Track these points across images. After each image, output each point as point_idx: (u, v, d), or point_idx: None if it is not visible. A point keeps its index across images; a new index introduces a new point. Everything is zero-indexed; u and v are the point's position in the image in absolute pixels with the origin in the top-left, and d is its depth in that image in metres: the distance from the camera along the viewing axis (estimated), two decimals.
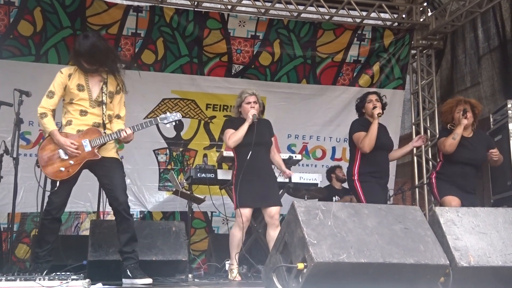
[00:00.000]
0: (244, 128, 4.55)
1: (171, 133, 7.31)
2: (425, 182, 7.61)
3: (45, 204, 4.14)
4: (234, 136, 4.57)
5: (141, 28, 7.08)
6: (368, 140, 4.67)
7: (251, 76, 7.59)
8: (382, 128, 4.86)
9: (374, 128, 4.69)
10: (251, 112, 4.60)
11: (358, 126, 4.84)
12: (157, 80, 7.21)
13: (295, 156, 5.61)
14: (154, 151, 7.26)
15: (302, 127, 7.77)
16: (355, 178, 4.74)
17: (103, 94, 4.08)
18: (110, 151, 4.11)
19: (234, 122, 4.72)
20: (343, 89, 7.91)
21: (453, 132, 4.72)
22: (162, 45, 7.18)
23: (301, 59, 7.68)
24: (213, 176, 5.41)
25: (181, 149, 7.37)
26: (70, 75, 4.06)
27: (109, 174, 4.02)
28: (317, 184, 5.72)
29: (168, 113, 4.23)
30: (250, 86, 7.40)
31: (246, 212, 4.51)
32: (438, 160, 4.97)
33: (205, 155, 7.42)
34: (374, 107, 4.77)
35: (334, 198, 6.88)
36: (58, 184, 3.92)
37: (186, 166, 7.26)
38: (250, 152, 4.50)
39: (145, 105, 7.13)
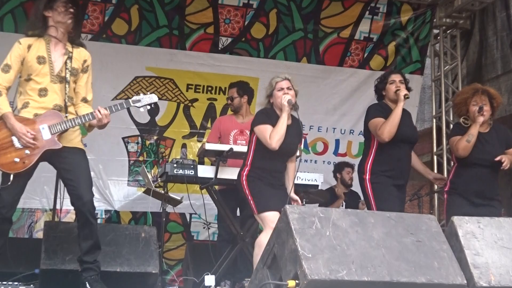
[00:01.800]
0: (284, 121, 4.34)
1: (145, 118, 7.29)
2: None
3: None
4: (276, 134, 4.32)
5: None
6: (388, 126, 4.59)
7: (241, 51, 7.59)
8: (405, 115, 4.80)
9: (398, 112, 4.61)
10: (284, 98, 4.39)
11: (375, 111, 4.80)
12: (130, 55, 7.19)
13: None
14: (123, 139, 7.25)
15: (301, 115, 7.50)
16: (366, 177, 4.71)
17: (67, 70, 4.08)
18: (73, 140, 4.11)
19: (270, 115, 4.48)
20: (351, 71, 7.91)
21: (467, 133, 4.70)
22: (136, 13, 7.16)
23: (301, 32, 7.68)
24: (193, 173, 5.39)
25: (155, 138, 7.37)
26: (29, 46, 4.05)
27: (72, 167, 4.02)
28: (317, 186, 5.68)
29: (142, 95, 4.22)
30: (240, 64, 7.56)
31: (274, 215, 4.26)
32: (452, 163, 4.98)
33: (184, 146, 7.43)
34: (398, 89, 4.73)
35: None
36: (11, 178, 3.91)
37: (161, 159, 7.27)
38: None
39: (114, 84, 7.12)
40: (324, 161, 7.88)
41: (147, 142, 7.35)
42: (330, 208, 3.79)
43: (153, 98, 4.24)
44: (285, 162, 4.57)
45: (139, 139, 7.32)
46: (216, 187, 5.64)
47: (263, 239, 4.09)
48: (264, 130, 4.42)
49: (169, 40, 7.33)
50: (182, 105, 7.46)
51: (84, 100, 4.19)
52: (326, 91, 7.87)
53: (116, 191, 7.17)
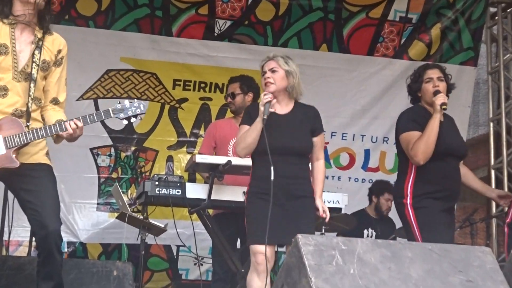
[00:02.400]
0: (255, 128, 4.50)
1: (119, 124, 7.27)
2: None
3: None
4: (242, 141, 4.54)
5: None
6: (423, 146, 4.62)
7: (243, 37, 7.63)
8: (448, 124, 4.84)
9: (433, 127, 4.63)
10: (262, 99, 4.52)
11: (409, 121, 4.81)
12: (100, 42, 7.25)
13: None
14: (92, 150, 7.31)
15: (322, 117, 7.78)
16: (407, 201, 4.70)
17: (34, 64, 4.07)
18: (36, 154, 4.11)
19: (254, 111, 4.60)
20: (384, 62, 7.97)
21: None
22: None
23: (320, 13, 7.73)
24: (180, 193, 5.41)
25: (133, 148, 7.42)
26: None
27: (34, 187, 4.02)
28: (340, 209, 5.69)
29: (126, 102, 4.15)
30: (241, 54, 7.59)
31: (267, 251, 4.35)
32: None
33: (169, 158, 7.47)
34: (436, 92, 4.74)
35: (366, 231, 6.93)
36: None
37: (140, 176, 7.31)
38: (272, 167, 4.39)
39: (79, 80, 7.15)
40: (350, 178, 7.91)
41: (123, 155, 7.39)
42: (354, 238, 3.77)
43: (141, 107, 4.18)
44: (300, 164, 4.61)
45: (112, 150, 7.37)
46: (210, 211, 5.66)
47: (250, 281, 4.41)
48: (238, 132, 4.67)
49: (150, 23, 7.37)
50: (167, 107, 7.51)
51: (55, 101, 4.19)
52: (352, 88, 7.92)
53: (82, 217, 7.20)
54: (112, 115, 4.09)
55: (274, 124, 4.52)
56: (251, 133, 4.49)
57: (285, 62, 4.64)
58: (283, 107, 4.66)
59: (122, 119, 4.13)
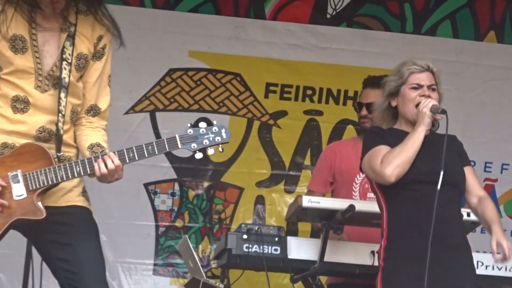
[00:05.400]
0: (417, 138, 4.72)
1: (187, 151, 7.38)
2: None
3: None
4: (396, 158, 4.70)
5: None
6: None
7: (369, 21, 7.76)
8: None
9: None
10: (423, 104, 4.72)
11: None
12: (159, 29, 7.42)
13: (467, 214, 5.51)
14: (147, 186, 7.44)
15: (485, 143, 7.84)
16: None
17: (64, 62, 4.14)
18: (69, 193, 4.18)
19: (385, 134, 4.87)
20: None
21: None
22: None
23: None
24: (278, 252, 5.48)
25: (206, 185, 7.52)
26: None
27: (68, 241, 4.09)
28: None
29: (203, 125, 4.08)
30: (367, 45, 7.67)
31: None
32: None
33: (259, 200, 7.56)
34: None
35: None
36: None
37: (217, 225, 7.39)
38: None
39: (129, 84, 7.33)
40: None
41: (191, 194, 7.50)
42: None
43: (223, 133, 4.11)
44: (458, 202, 4.83)
45: (176, 187, 7.49)
46: (323, 279, 5.69)
47: None
48: (374, 155, 4.77)
49: (233, 0, 7.49)
50: (257, 124, 7.62)
51: (93, 110, 4.27)
52: None
53: (132, 284, 7.33)
54: (179, 145, 4.09)
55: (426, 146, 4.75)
56: (413, 147, 4.70)
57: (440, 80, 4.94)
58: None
59: (195, 151, 4.10)
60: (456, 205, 4.80)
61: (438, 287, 4.55)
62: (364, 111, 6.10)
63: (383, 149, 4.74)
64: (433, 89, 4.78)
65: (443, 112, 4.67)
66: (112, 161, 3.98)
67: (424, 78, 4.80)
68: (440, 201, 4.56)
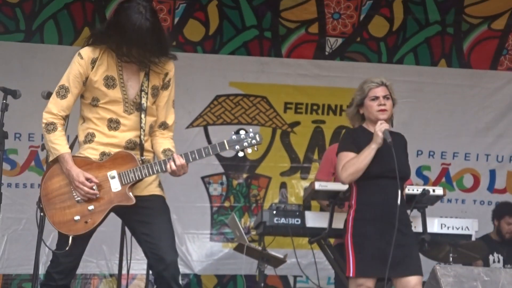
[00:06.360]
0: (368, 154, 4.69)
1: (231, 151, 7.44)
2: None
3: (45, 263, 4.30)
4: (352, 166, 4.73)
5: None
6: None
7: (355, 55, 7.68)
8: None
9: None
10: (379, 126, 4.70)
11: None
12: (208, 67, 7.42)
13: (433, 190, 5.57)
14: (203, 178, 7.46)
15: (440, 138, 7.81)
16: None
17: (143, 92, 4.16)
18: (149, 186, 4.19)
19: (356, 137, 4.86)
20: (508, 76, 7.85)
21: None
22: (216, 11, 7.38)
23: (437, 26, 7.70)
24: (299, 223, 5.50)
25: (245, 176, 7.53)
26: (94, 61, 4.11)
27: (150, 219, 4.11)
28: (470, 236, 5.66)
29: (242, 132, 4.16)
30: (355, 73, 7.50)
31: (369, 284, 4.59)
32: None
33: (283, 185, 7.55)
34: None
35: (492, 257, 6.81)
36: (70, 240, 4.03)
37: (253, 204, 7.41)
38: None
39: (189, 107, 7.35)
40: (475, 201, 7.81)
41: (235, 182, 7.52)
42: (497, 268, 3.76)
43: (257, 137, 4.16)
44: (400, 188, 4.73)
45: (224, 178, 7.50)
46: (332, 240, 5.71)
47: None
48: (340, 159, 4.79)
49: (259, 45, 7.51)
50: (279, 131, 7.60)
51: (163, 125, 4.26)
52: (474, 105, 7.83)
53: (195, 248, 7.34)
54: (227, 147, 4.13)
55: (384, 150, 4.69)
56: (365, 159, 4.68)
57: (393, 90, 4.90)
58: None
59: (238, 151, 4.16)
60: (401, 190, 4.69)
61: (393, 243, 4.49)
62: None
63: (348, 155, 4.72)
64: (387, 98, 4.74)
65: (387, 135, 4.61)
66: (180, 161, 4.06)
67: (379, 91, 4.74)
68: (395, 189, 4.57)
